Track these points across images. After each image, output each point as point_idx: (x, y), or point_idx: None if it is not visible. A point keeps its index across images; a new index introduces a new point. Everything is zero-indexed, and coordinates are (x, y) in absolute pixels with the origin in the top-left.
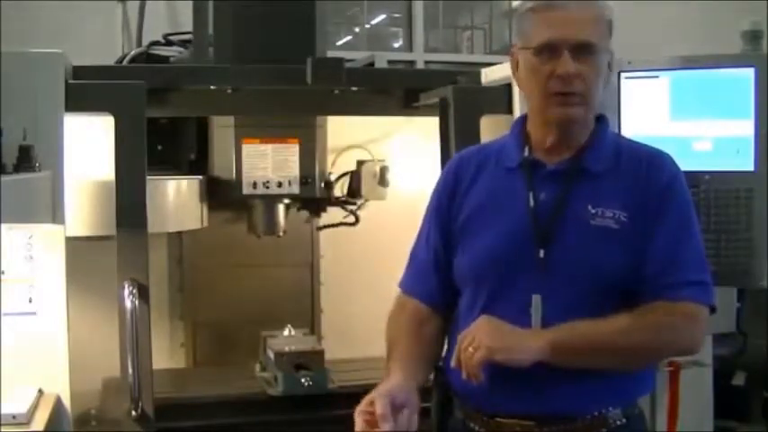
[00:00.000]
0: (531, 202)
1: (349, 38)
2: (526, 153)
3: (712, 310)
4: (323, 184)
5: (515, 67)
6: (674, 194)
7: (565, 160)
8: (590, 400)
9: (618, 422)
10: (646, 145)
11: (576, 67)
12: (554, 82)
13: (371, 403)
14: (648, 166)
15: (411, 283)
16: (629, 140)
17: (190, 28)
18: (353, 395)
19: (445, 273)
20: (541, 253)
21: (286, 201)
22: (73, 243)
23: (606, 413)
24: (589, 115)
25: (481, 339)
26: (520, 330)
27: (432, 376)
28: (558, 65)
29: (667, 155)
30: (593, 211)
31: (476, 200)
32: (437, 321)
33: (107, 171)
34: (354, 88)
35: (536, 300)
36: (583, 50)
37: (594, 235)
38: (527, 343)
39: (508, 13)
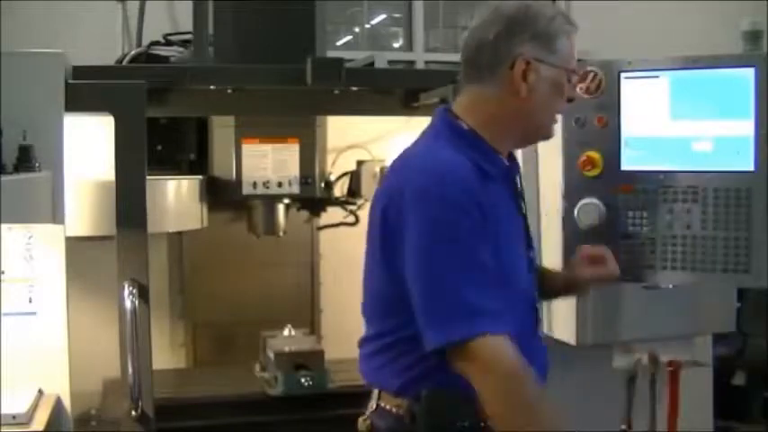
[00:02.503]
0: (524, 208)
1: (349, 38)
2: (506, 162)
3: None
4: (323, 184)
5: (521, 75)
6: None
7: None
8: None
9: None
10: None
11: None
12: (564, 105)
13: None
14: None
15: (502, 324)
16: None
17: (190, 28)
18: (353, 395)
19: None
20: (531, 253)
21: (286, 201)
22: (73, 243)
23: None
24: None
25: None
26: None
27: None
28: (571, 91)
29: None
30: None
31: (496, 212)
32: None
33: (107, 171)
34: (354, 88)
35: (536, 297)
36: None
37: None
38: None
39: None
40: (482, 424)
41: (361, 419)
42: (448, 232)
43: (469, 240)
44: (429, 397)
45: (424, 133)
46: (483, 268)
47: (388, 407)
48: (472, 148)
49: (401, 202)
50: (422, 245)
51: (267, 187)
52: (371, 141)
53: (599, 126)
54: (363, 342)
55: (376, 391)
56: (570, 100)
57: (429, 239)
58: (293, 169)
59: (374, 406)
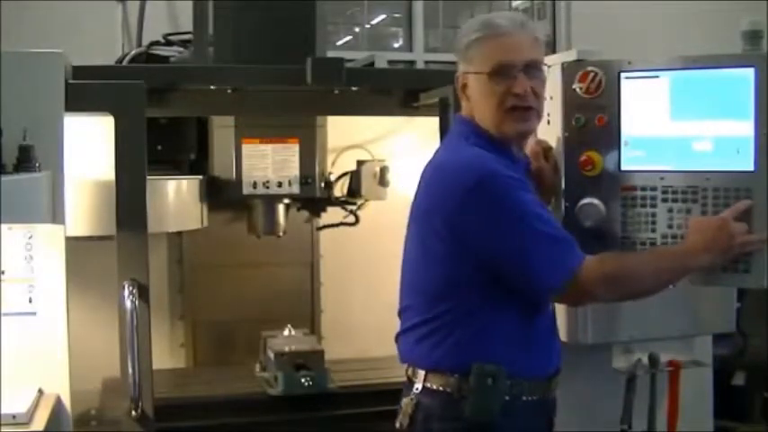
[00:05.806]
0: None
1: (349, 38)
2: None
3: None
4: (323, 184)
5: (462, 92)
6: None
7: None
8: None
9: None
10: None
11: (529, 84)
12: (511, 99)
13: None
14: None
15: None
16: None
17: (190, 28)
18: (353, 395)
19: None
20: None
21: (286, 201)
22: (73, 243)
23: None
24: None
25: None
26: None
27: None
28: (513, 84)
29: None
30: None
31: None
32: None
33: (107, 171)
34: (354, 88)
35: None
36: (532, 68)
37: None
38: None
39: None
40: (524, 398)
41: (405, 400)
42: (517, 205)
43: (527, 196)
44: (477, 373)
45: (450, 139)
46: (549, 218)
47: (435, 386)
48: (489, 142)
49: (463, 198)
50: (506, 224)
51: (267, 187)
52: (371, 141)
53: (599, 126)
54: (412, 328)
55: (422, 374)
56: (517, 95)
57: (510, 215)
58: (293, 169)
59: (419, 387)
